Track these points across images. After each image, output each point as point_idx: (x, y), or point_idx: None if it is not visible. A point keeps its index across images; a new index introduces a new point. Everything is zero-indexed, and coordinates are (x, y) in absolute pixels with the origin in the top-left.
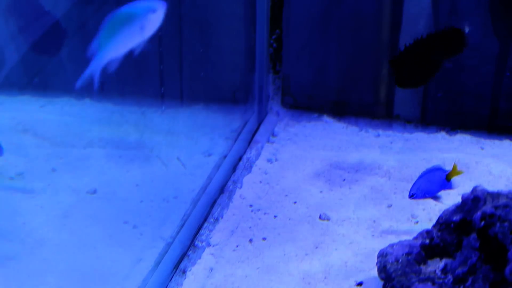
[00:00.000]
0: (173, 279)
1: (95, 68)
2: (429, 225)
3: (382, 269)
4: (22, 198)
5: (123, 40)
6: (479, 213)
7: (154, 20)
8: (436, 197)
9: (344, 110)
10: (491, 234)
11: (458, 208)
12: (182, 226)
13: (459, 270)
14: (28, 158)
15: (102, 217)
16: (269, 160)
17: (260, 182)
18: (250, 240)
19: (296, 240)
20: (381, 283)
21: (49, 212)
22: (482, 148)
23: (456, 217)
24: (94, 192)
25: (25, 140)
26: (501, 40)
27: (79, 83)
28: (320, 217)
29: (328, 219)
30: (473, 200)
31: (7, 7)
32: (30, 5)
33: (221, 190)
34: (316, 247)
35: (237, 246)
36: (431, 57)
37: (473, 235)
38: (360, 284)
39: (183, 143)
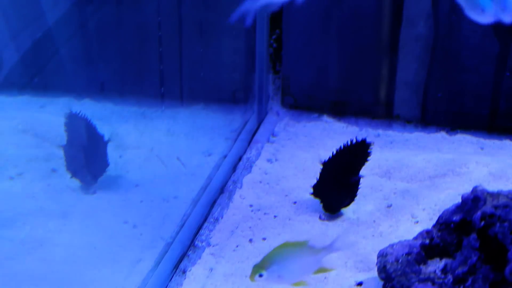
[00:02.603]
0: (173, 279)
1: (251, 6)
2: (429, 225)
3: (382, 269)
4: (22, 198)
5: None
6: (479, 213)
7: None
8: None
9: (344, 110)
10: (491, 234)
11: (458, 208)
12: (182, 226)
13: (459, 270)
14: (28, 158)
15: (102, 217)
16: (269, 160)
17: (260, 182)
18: (250, 240)
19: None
20: (381, 283)
21: (49, 212)
22: (482, 148)
23: (456, 217)
24: (94, 192)
25: (25, 140)
26: (501, 40)
27: (234, 17)
28: (320, 218)
29: (328, 220)
30: (473, 200)
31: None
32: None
33: (221, 190)
34: None
35: (237, 246)
36: (346, 174)
37: (473, 235)
38: (360, 284)
39: (183, 143)
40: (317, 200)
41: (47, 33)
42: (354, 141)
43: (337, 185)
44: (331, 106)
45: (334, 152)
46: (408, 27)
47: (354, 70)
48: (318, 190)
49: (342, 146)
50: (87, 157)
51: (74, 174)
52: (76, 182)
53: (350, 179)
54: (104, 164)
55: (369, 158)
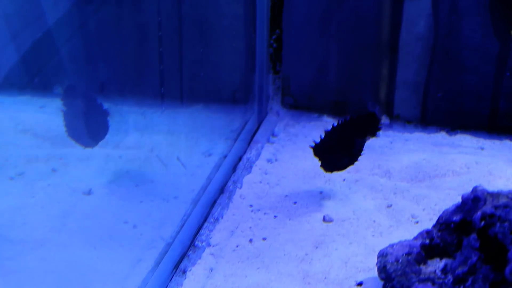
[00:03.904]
0: (173, 279)
1: None
2: (429, 225)
3: (382, 269)
4: (22, 198)
5: None
6: (479, 213)
7: None
8: None
9: (344, 110)
10: (491, 234)
11: (458, 208)
12: (182, 226)
13: (459, 270)
14: (28, 158)
15: (102, 217)
16: (269, 160)
17: (260, 182)
18: (250, 240)
19: (296, 240)
20: (381, 283)
21: (49, 212)
22: (482, 148)
23: (456, 217)
24: (94, 192)
25: (25, 140)
26: (501, 40)
27: None
28: (324, 219)
29: (331, 221)
30: (473, 200)
31: None
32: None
33: (221, 190)
34: (316, 247)
35: (237, 246)
36: (352, 138)
37: (473, 235)
38: (360, 284)
39: (183, 143)
40: (317, 200)
41: (47, 33)
42: (365, 112)
43: (339, 146)
44: (331, 106)
45: (342, 120)
46: (408, 27)
47: (354, 70)
48: (319, 150)
49: (350, 117)
50: (87, 120)
51: (73, 136)
52: (76, 182)
53: (355, 139)
54: (105, 130)
55: (378, 132)
